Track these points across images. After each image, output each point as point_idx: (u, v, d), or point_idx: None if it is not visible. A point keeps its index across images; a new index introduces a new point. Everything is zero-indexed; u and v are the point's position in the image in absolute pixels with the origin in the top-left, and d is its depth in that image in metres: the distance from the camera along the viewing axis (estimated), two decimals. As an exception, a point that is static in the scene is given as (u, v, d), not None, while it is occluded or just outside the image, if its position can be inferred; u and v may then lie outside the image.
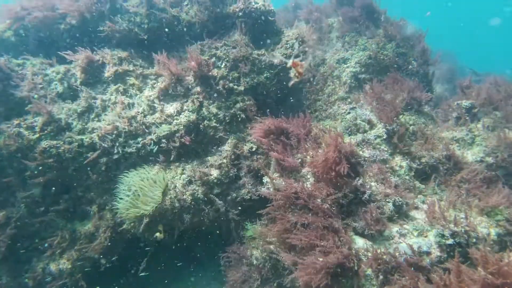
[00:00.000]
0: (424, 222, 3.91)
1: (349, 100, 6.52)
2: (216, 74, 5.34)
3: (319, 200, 3.95)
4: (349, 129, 5.01)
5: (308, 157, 4.46)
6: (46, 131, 4.85)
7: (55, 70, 5.28)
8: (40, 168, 4.79)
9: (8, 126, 4.83)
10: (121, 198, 4.76)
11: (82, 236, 4.94)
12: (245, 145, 5.22)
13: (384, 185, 4.29)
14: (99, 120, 5.06)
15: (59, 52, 5.29)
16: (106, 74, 5.27)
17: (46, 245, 4.90)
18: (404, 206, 4.10)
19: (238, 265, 4.89)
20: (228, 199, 5.04)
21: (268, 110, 5.26)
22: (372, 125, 5.02)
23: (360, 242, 3.85)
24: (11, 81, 5.02)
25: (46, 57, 5.50)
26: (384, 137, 4.80)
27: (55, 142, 4.83)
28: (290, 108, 5.85)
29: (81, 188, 5.01)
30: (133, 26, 5.53)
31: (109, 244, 4.84)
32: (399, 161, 4.69)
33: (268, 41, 5.89)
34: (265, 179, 4.72)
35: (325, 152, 4.07)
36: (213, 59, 5.47)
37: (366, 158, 4.57)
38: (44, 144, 4.78)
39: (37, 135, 4.82)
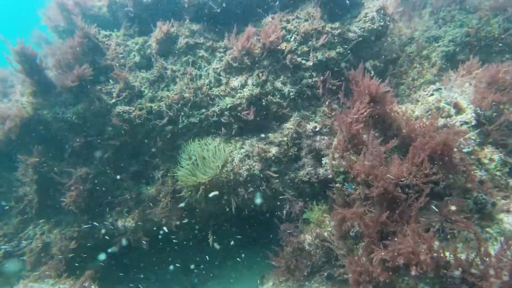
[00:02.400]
0: (515, 229, 3.18)
1: (437, 84, 5.70)
2: (284, 48, 5.10)
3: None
4: (429, 113, 4.33)
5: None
6: (121, 97, 5.22)
7: (134, 41, 5.63)
8: (115, 131, 5.19)
9: (94, 91, 5.31)
10: (181, 166, 4.90)
11: (146, 199, 5.24)
12: (309, 123, 4.91)
13: (466, 179, 3.60)
14: (168, 90, 5.26)
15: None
16: (178, 46, 5.43)
17: (115, 202, 5.33)
18: (489, 205, 3.39)
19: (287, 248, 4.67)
20: (285, 178, 4.82)
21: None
22: (459, 110, 4.26)
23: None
24: (100, 51, 5.50)
25: (131, 29, 5.91)
26: (473, 124, 4.03)
27: (127, 107, 5.17)
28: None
29: (149, 154, 5.29)
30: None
31: (169, 209, 5.03)
32: (489, 153, 3.89)
33: (348, 14, 5.41)
34: (325, 160, 4.37)
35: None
36: (283, 31, 5.23)
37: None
38: (119, 108, 5.15)
39: (114, 100, 5.21)
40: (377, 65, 5.56)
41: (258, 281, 5.15)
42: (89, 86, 5.21)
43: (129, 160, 5.38)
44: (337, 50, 5.12)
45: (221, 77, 5.21)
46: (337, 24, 5.21)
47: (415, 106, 4.69)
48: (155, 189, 5.16)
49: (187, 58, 5.38)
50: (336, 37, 5.14)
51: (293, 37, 5.19)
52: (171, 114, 5.07)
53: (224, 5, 5.58)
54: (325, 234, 4.36)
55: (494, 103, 4.13)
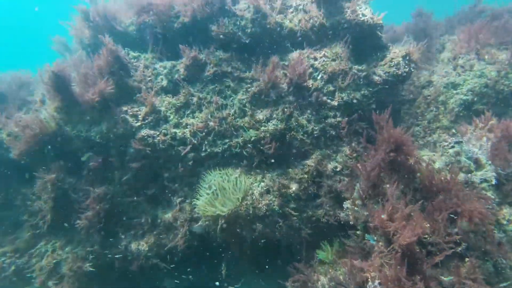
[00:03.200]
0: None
1: (453, 131, 5.87)
2: (310, 86, 5.22)
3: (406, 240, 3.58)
4: (450, 166, 4.46)
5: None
6: (147, 121, 5.28)
7: (163, 65, 5.70)
8: (137, 153, 5.23)
9: (119, 111, 5.37)
10: (200, 195, 4.96)
11: (162, 224, 5.27)
12: (330, 163, 5.01)
13: (485, 241, 3.72)
14: (193, 117, 5.33)
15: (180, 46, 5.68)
16: (206, 73, 5.52)
17: (131, 224, 5.36)
18: (508, 269, 3.51)
19: (302, 286, 4.74)
20: (303, 216, 4.90)
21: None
22: (479, 166, 4.40)
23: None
24: (128, 72, 5.57)
25: (158, 52, 5.98)
26: (493, 183, 4.17)
27: (152, 132, 5.23)
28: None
29: (168, 179, 5.34)
30: (237, 30, 5.67)
31: (188, 236, 5.07)
32: (507, 214, 4.02)
33: (373, 56, 5.55)
34: (346, 204, 4.46)
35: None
36: (310, 69, 5.35)
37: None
38: (144, 132, 5.20)
39: (139, 123, 5.26)
40: (395, 106, 5.71)
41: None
42: (110, 105, 5.26)
43: (148, 183, 5.42)
44: (362, 92, 5.25)
45: (246, 109, 5.30)
46: (363, 66, 5.34)
47: (434, 155, 4.81)
48: (172, 215, 5.20)
49: (214, 87, 5.47)
50: (362, 79, 5.27)
51: (320, 75, 5.31)
52: (195, 142, 5.14)
53: (252, 36, 5.69)
54: (341, 277, 4.44)
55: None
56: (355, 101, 5.19)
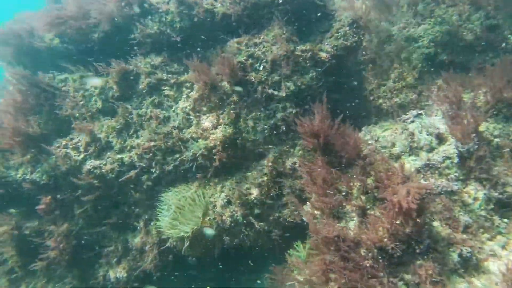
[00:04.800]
0: (502, 280, 3.16)
1: (418, 89, 5.45)
2: (253, 79, 4.75)
3: (363, 252, 3.41)
4: (410, 146, 4.14)
5: (354, 190, 3.83)
6: (89, 151, 4.95)
7: (93, 85, 5.21)
8: (89, 186, 4.98)
9: (58, 146, 5.03)
10: (162, 217, 4.78)
11: (134, 248, 5.17)
12: (288, 159, 4.71)
13: (450, 227, 3.53)
14: (137, 137, 4.97)
15: (94, 64, 5.16)
16: (141, 86, 5.04)
17: (103, 253, 5.27)
18: (475, 258, 3.35)
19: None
20: (270, 219, 4.72)
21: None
22: (441, 140, 4.08)
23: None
24: (55, 101, 5.11)
25: (86, 67, 5.44)
26: (456, 161, 3.87)
27: (98, 162, 4.92)
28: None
29: (127, 205, 5.14)
30: (165, 28, 5.07)
31: (158, 260, 4.99)
32: (473, 192, 3.78)
33: (319, 29, 4.98)
34: (306, 207, 4.25)
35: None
36: (250, 60, 4.84)
37: (429, 191, 3.76)
38: (89, 165, 4.90)
39: (82, 156, 4.94)
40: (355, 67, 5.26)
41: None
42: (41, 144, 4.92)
43: (109, 211, 5.23)
44: (310, 75, 4.77)
45: (191, 117, 4.90)
46: (307, 46, 4.80)
47: (394, 136, 4.46)
48: (140, 240, 5.07)
49: (152, 99, 5.03)
50: (308, 60, 4.77)
51: (261, 66, 4.80)
52: (143, 164, 4.84)
53: (183, 32, 5.10)
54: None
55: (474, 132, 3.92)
56: (303, 87, 4.74)
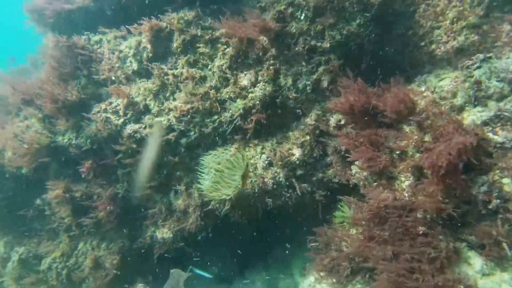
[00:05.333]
0: None
1: (483, 28, 4.70)
2: (294, 31, 4.32)
3: (419, 215, 3.10)
4: (476, 96, 3.61)
5: (410, 148, 3.44)
6: (128, 115, 4.90)
7: (127, 45, 5.06)
8: (130, 151, 4.99)
9: (98, 111, 5.03)
10: (202, 180, 4.71)
11: (177, 210, 5.22)
12: (332, 116, 4.36)
13: None
14: (174, 99, 4.82)
15: (126, 27, 4.98)
16: (175, 45, 4.81)
17: (148, 215, 5.39)
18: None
19: (326, 249, 4.56)
20: (314, 179, 4.49)
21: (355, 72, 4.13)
22: (515, 88, 3.50)
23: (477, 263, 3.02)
24: (92, 65, 5.05)
25: (119, 27, 5.29)
26: (535, 112, 3.32)
27: (137, 126, 4.88)
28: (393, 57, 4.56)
29: (168, 167, 5.11)
30: (197, -21, 4.71)
31: (201, 221, 5.00)
32: (553, 148, 3.25)
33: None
34: (354, 168, 3.93)
35: (436, 151, 3.02)
36: (290, 8, 4.38)
37: (499, 144, 3.29)
38: (129, 129, 4.87)
39: (122, 120, 4.91)
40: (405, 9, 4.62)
41: (299, 273, 5.23)
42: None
43: (151, 174, 5.26)
44: (357, 21, 4.25)
45: (227, 75, 4.63)
46: (354, -13, 4.23)
47: (455, 85, 3.89)
48: (183, 202, 5.09)
49: (187, 58, 4.78)
50: (355, 4, 4.23)
51: (303, 14, 4.34)
52: (181, 127, 4.72)
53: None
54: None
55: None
56: (349, 35, 4.25)
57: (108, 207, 5.31)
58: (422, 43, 5.07)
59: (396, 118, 3.60)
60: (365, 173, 3.65)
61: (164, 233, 5.34)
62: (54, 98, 4.87)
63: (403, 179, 3.40)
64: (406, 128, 3.59)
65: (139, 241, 5.49)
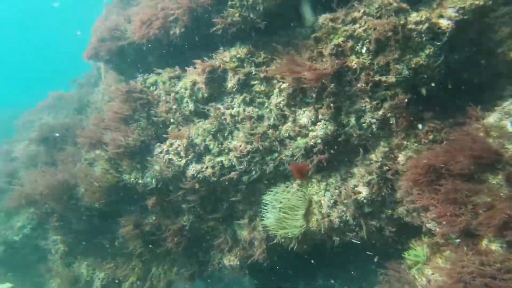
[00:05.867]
0: None
1: None
2: (355, 65, 4.07)
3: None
4: None
5: (497, 202, 3.19)
6: (190, 156, 4.99)
7: (182, 86, 5.08)
8: (193, 189, 5.13)
9: (160, 152, 5.18)
10: (267, 216, 4.77)
11: (242, 240, 5.37)
12: (400, 153, 4.14)
13: None
14: (233, 138, 4.82)
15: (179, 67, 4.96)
16: (229, 84, 4.74)
17: (215, 244, 5.60)
18: None
19: (398, 285, 4.50)
20: (383, 216, 4.37)
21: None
22: None
23: None
24: (150, 107, 5.16)
25: (169, 60, 5.33)
26: None
27: (199, 166, 4.96)
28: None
29: (230, 201, 5.21)
30: (247, 12, 4.53)
31: (267, 253, 5.11)
32: None
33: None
34: (431, 223, 3.75)
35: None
36: (350, 42, 4.11)
37: None
38: (192, 169, 4.98)
39: (184, 161, 5.02)
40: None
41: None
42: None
43: (214, 207, 5.41)
44: (426, 51, 3.89)
45: (286, 113, 4.53)
46: (422, 15, 3.85)
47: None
48: (248, 234, 5.21)
49: (243, 97, 4.72)
50: (423, 34, 3.86)
51: (364, 47, 4.06)
52: (242, 167, 4.73)
53: (268, 15, 4.51)
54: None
55: None
56: (418, 67, 3.92)
57: (175, 238, 5.58)
58: (499, 49, 4.54)
59: (478, 169, 3.34)
60: (444, 229, 3.47)
61: (231, 260, 5.54)
62: (117, 144, 5.08)
63: (492, 239, 3.19)
64: (492, 179, 3.32)
65: (208, 266, 5.76)
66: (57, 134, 7.93)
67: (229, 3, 4.63)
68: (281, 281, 5.93)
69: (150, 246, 5.90)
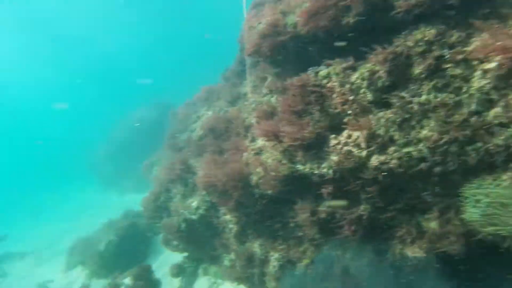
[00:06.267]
0: None
1: None
2: None
3: None
4: None
5: None
6: (372, 147, 4.88)
7: (359, 76, 4.92)
8: (374, 180, 5.04)
9: (337, 143, 5.21)
10: (469, 212, 4.38)
11: (430, 232, 5.09)
12: None
13: None
14: (421, 128, 4.50)
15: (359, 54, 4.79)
16: (416, 71, 4.39)
17: (396, 234, 5.46)
18: None
19: None
20: None
21: None
22: None
23: None
24: (324, 100, 5.19)
25: (340, 55, 5.21)
26: None
27: (383, 157, 4.82)
28: None
29: (415, 191, 4.95)
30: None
31: (463, 248, 4.75)
32: None
33: None
34: None
35: None
36: None
37: None
38: (374, 161, 4.87)
39: (365, 152, 4.94)
40: None
41: None
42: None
43: (396, 197, 5.23)
44: None
45: (491, 97, 3.98)
46: None
47: None
48: (438, 226, 4.91)
49: (434, 83, 4.32)
50: None
51: None
52: (436, 158, 4.40)
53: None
54: None
55: None
56: None
57: (352, 226, 5.64)
58: None
59: None
60: None
61: (415, 251, 5.34)
62: (293, 137, 5.29)
63: None
64: None
65: (387, 256, 5.69)
66: (221, 125, 8.74)
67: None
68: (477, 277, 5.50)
69: (326, 237, 6.12)
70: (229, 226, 8.32)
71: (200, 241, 9.73)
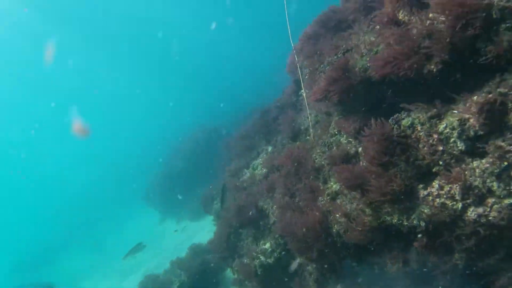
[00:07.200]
0: None
1: None
2: None
3: None
4: None
5: None
6: (468, 199, 4.67)
7: (449, 125, 4.80)
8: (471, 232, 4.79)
9: (428, 195, 5.06)
10: None
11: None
12: None
13: None
14: (523, 177, 4.25)
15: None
16: (513, 118, 4.20)
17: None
18: None
19: None
20: None
21: None
22: None
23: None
24: (410, 151, 5.11)
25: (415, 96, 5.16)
26: None
27: (481, 210, 4.59)
28: None
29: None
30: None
31: None
32: None
33: None
34: None
35: None
36: None
37: None
38: (471, 213, 4.65)
39: (460, 204, 4.74)
40: None
41: None
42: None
43: (495, 247, 4.92)
44: None
45: None
46: None
47: None
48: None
49: (538, 130, 4.10)
50: None
51: None
52: None
53: None
54: None
55: None
56: None
57: (448, 276, 5.36)
58: None
59: None
60: None
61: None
62: (382, 192, 5.22)
63: None
64: None
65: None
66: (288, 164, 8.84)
67: (502, 26, 4.12)
68: None
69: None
70: (307, 269, 8.26)
71: (277, 285, 9.70)
